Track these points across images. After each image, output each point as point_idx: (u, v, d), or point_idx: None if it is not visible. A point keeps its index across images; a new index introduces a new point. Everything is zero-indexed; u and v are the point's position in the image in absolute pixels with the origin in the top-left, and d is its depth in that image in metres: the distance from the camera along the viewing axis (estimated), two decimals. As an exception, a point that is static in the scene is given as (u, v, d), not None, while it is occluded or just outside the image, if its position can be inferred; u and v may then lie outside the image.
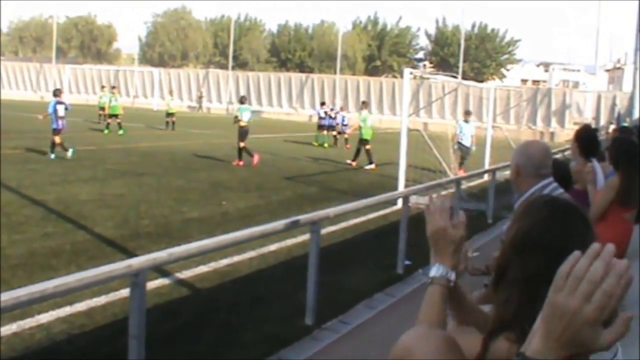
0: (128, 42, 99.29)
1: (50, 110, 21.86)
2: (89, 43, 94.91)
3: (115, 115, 33.58)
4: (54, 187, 15.16)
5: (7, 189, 14.48)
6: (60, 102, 22.04)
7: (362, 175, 21.45)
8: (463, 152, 22.30)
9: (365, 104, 27.52)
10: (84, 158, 21.28)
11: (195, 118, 50.45)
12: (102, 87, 46.66)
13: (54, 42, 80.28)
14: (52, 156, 21.20)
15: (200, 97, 67.49)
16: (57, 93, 22.69)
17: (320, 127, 34.80)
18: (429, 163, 18.13)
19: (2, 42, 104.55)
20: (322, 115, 34.91)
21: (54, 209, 12.62)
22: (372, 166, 23.48)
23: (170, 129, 36.83)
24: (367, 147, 24.31)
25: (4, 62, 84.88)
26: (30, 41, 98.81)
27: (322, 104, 37.84)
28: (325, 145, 33.00)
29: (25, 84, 77.53)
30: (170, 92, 47.60)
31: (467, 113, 24.02)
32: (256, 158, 22.11)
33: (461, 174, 19.08)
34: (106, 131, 32.89)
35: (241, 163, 22.02)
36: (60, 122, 21.61)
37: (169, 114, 38.01)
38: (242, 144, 22.49)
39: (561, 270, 1.29)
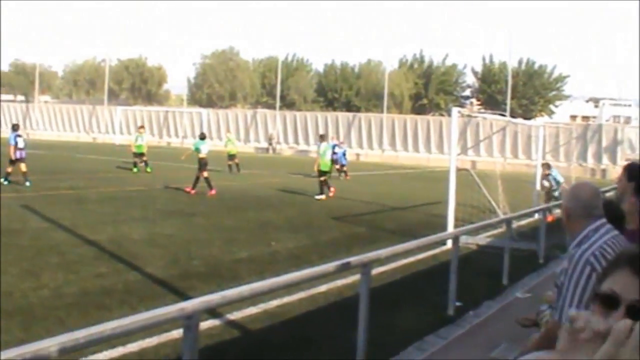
0: (177, 83, 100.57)
1: (12, 142, 24.42)
2: (139, 85, 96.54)
3: (141, 154, 33.75)
4: (106, 227, 15.39)
5: (62, 228, 14.76)
6: (19, 135, 24.67)
7: (409, 215, 21.38)
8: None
9: (323, 137, 28.24)
10: (134, 198, 21.60)
11: (249, 158, 50.65)
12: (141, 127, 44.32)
13: (106, 85, 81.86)
14: (6, 183, 23.92)
15: (271, 139, 67.12)
16: (15, 128, 25.45)
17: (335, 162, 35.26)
18: (478, 202, 18.02)
19: (58, 85, 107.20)
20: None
21: (106, 249, 12.81)
22: (323, 197, 24.58)
23: (235, 171, 34.83)
24: (323, 178, 25.17)
25: (60, 104, 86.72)
26: (83, 84, 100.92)
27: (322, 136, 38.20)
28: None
29: (78, 125, 79.10)
30: (228, 130, 44.70)
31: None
32: (213, 192, 23.78)
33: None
34: (134, 170, 33.12)
35: (213, 192, 23.75)
36: (19, 152, 24.29)
37: (231, 156, 35.66)
38: (205, 174, 24.31)
39: (623, 326, 1.29)
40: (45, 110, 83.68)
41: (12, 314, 8.30)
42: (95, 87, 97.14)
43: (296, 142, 67.80)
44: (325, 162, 25.74)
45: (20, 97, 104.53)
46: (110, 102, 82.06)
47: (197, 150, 25.48)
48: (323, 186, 25.05)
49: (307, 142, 67.12)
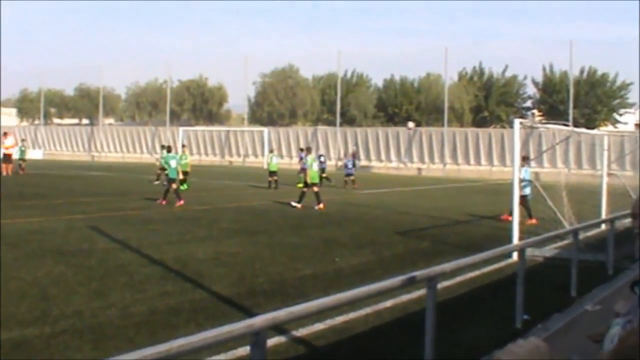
0: (238, 102, 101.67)
1: None
2: (200, 105, 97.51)
3: (185, 172, 34.31)
4: (171, 247, 15.58)
5: (128, 249, 15.00)
6: None
7: (473, 228, 21.18)
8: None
9: (309, 150, 29.67)
10: (199, 217, 21.82)
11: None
12: (183, 146, 46.92)
13: (168, 106, 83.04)
14: None
15: (353, 156, 66.62)
16: None
17: (303, 169, 37.27)
18: (543, 213, 17.76)
19: (121, 108, 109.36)
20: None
21: (172, 268, 12.96)
22: (321, 206, 25.52)
23: (273, 188, 35.94)
24: (316, 189, 26.17)
25: (123, 127, 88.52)
26: (146, 106, 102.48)
27: (302, 150, 40.66)
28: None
29: (142, 147, 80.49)
30: (271, 150, 47.06)
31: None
32: (180, 202, 25.50)
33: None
34: (183, 186, 33.88)
35: (181, 202, 25.46)
36: None
37: (272, 173, 37.05)
38: (174, 186, 26.32)
39: None
40: (110, 132, 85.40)
41: (83, 332, 8.45)
42: (157, 109, 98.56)
43: (358, 157, 67.78)
44: (313, 174, 26.63)
45: (85, 121, 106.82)
46: (172, 123, 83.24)
47: (167, 164, 27.11)
48: (301, 194, 26.15)
49: (368, 158, 67.11)
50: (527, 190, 21.99)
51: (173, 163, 26.93)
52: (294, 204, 25.60)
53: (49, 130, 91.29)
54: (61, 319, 9.07)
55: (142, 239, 16.62)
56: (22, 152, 46.36)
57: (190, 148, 74.64)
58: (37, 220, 19.58)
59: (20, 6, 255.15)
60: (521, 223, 15.18)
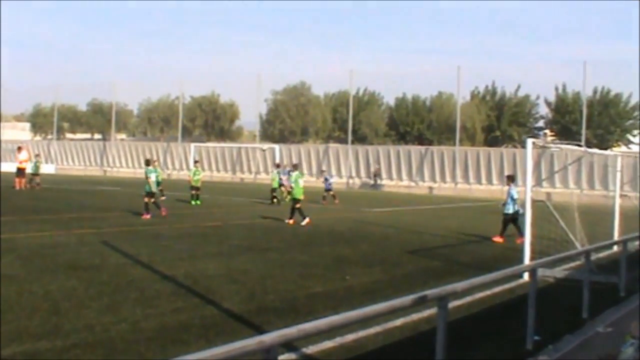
0: (249, 119, 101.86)
1: None
2: (212, 122, 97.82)
3: (197, 188, 36.22)
4: (182, 263, 15.60)
5: (140, 264, 15.04)
6: None
7: (485, 248, 21.15)
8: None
9: (295, 167, 30.86)
10: (210, 234, 21.86)
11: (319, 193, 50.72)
12: (196, 161, 47.86)
13: (179, 122, 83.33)
14: None
15: (375, 175, 66.64)
16: None
17: (281, 185, 39.87)
18: (554, 234, 17.70)
19: (133, 123, 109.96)
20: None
21: (183, 284, 12.97)
22: (308, 220, 26.00)
23: (275, 204, 37.70)
24: (297, 205, 26.47)
25: (135, 142, 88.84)
26: (158, 122, 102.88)
27: (277, 165, 43.28)
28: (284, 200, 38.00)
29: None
30: (277, 166, 47.59)
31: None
32: (164, 211, 27.28)
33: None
34: (193, 202, 35.77)
35: (148, 216, 26.20)
36: None
37: (274, 189, 38.95)
38: (150, 200, 27.24)
39: None
40: (122, 147, 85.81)
41: (95, 347, 8.48)
42: (169, 125, 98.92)
43: (368, 176, 67.81)
44: (298, 190, 27.03)
45: (98, 136, 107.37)
46: (184, 139, 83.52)
47: (148, 177, 27.58)
48: (298, 211, 26.37)
49: (379, 176, 67.08)
50: (513, 208, 22.99)
51: (152, 177, 27.62)
52: (303, 223, 25.58)
53: (62, 145, 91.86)
54: (73, 333, 9.10)
55: (153, 254, 16.67)
56: (36, 167, 46.67)
57: (201, 164, 75.05)
58: (49, 235, 19.69)
59: (35, 22, 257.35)
60: (532, 244, 15.12)
